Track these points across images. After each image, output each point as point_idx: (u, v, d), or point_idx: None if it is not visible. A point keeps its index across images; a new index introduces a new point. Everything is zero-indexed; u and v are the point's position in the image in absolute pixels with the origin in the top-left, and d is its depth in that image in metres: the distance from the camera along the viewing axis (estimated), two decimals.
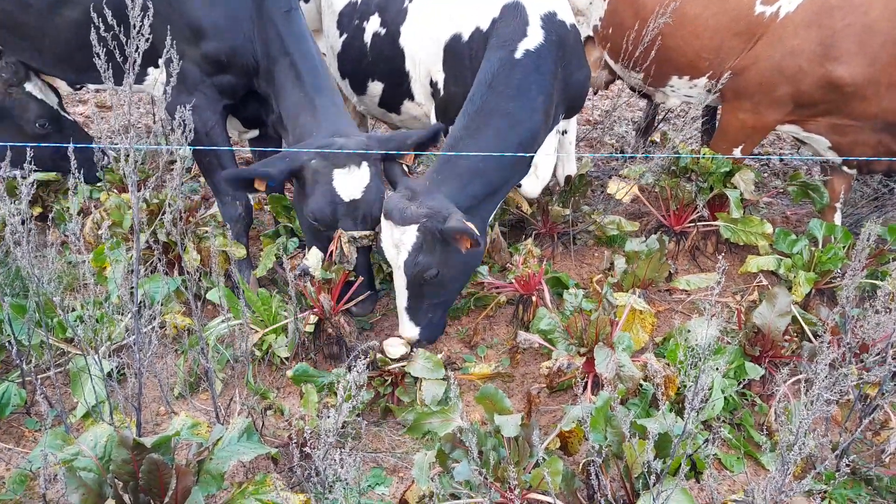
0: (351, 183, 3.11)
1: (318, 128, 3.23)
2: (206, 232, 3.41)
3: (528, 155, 3.28)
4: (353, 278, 3.15)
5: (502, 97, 3.16)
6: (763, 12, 3.74)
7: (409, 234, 3.00)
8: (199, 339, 2.65)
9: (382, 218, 3.09)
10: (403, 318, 3.18)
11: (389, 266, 3.55)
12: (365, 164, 3.14)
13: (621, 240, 4.08)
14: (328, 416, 2.36)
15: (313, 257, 3.11)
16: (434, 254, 3.03)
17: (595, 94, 5.13)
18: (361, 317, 3.35)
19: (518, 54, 3.22)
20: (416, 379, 3.01)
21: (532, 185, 3.63)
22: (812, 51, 3.60)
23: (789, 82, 3.70)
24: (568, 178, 4.08)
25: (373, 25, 3.88)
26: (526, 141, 3.24)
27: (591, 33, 4.57)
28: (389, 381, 2.99)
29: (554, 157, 3.73)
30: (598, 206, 4.39)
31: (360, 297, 3.22)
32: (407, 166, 3.34)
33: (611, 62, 4.53)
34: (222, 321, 3.01)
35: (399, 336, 3.22)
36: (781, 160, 5.61)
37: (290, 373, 2.92)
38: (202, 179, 4.44)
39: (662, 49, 4.06)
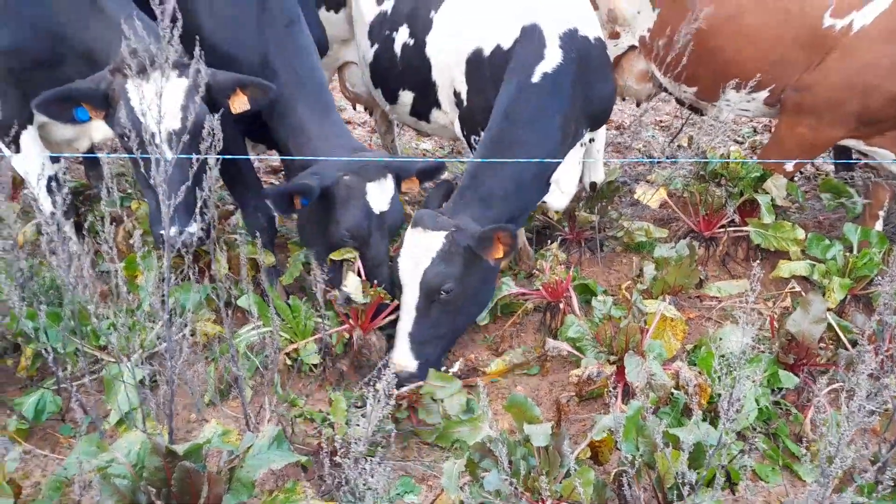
0: (381, 195, 3.14)
1: (333, 143, 3.23)
2: (236, 240, 3.44)
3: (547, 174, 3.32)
4: (387, 300, 3.13)
5: (517, 126, 3.19)
6: (833, 25, 3.58)
7: (437, 240, 3.03)
8: (230, 346, 2.66)
9: (409, 229, 3.10)
10: (402, 343, 3.10)
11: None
12: (390, 175, 3.18)
13: (650, 246, 4.05)
14: (358, 425, 2.37)
15: (353, 284, 3.10)
16: (455, 265, 3.04)
17: (637, 106, 5.07)
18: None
19: (535, 78, 3.23)
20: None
21: (557, 199, 3.63)
22: (889, 66, 3.46)
23: (860, 99, 3.56)
24: (593, 184, 4.06)
25: (402, 36, 3.90)
26: (543, 166, 3.26)
27: (637, 44, 4.43)
28: (404, 404, 2.94)
29: (578, 170, 3.72)
30: (625, 211, 4.36)
31: (392, 317, 3.20)
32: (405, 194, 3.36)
33: (658, 74, 4.41)
34: (252, 329, 3.02)
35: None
36: (813, 163, 5.53)
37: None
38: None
39: (719, 62, 3.95)
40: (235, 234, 3.52)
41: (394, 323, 3.18)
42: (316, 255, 3.27)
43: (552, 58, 3.26)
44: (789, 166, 3.97)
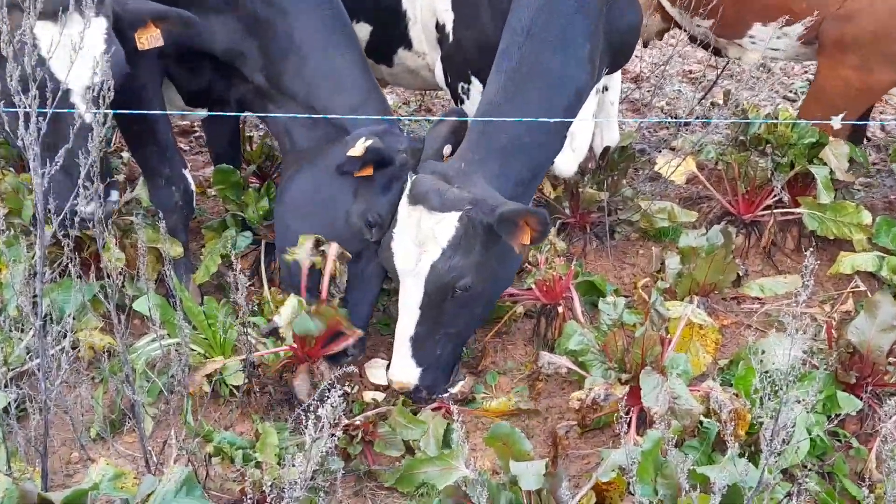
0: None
1: (374, 98, 3.35)
2: (132, 223, 3.40)
3: (572, 120, 3.32)
4: (346, 329, 3.14)
5: (545, 48, 3.18)
6: None
7: (447, 225, 2.98)
8: (124, 363, 2.64)
9: (407, 205, 3.08)
10: (403, 351, 3.12)
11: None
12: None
13: (674, 233, 4.07)
14: (293, 464, 2.37)
15: (288, 311, 3.09)
16: (473, 255, 3.02)
17: (645, 46, 5.10)
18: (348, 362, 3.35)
19: None
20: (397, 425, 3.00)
21: (566, 161, 3.64)
22: None
23: None
24: (606, 150, 4.08)
25: None
26: (573, 103, 3.26)
27: None
28: (358, 436, 2.94)
29: (592, 124, 3.73)
30: (643, 188, 4.38)
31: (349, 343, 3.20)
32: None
33: (667, 5, 4.45)
34: (153, 340, 3.00)
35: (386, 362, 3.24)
36: (884, 127, 5.61)
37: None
38: (126, 155, 4.44)
39: None
40: (132, 216, 3.49)
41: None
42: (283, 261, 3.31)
43: None
44: (836, 123, 4.00)
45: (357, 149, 3.11)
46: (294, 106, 3.38)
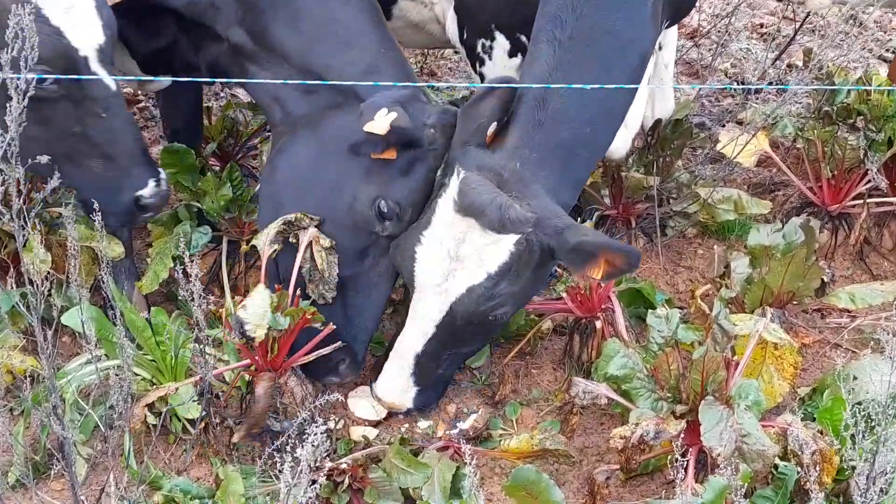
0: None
1: (392, 59, 3.37)
2: (61, 217, 3.41)
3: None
4: (316, 322, 3.14)
5: (602, 6, 3.19)
6: None
7: (502, 249, 3.03)
8: (50, 391, 2.63)
9: (454, 212, 3.08)
10: (401, 369, 3.20)
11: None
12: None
13: (742, 228, 4.08)
14: None
15: (258, 304, 3.04)
16: (520, 282, 3.08)
17: None
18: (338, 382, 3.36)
19: None
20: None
21: (620, 138, 3.64)
22: None
23: None
24: (657, 123, 4.07)
25: None
26: (638, 70, 3.30)
27: None
28: (345, 483, 2.94)
29: (647, 92, 3.74)
30: (702, 171, 4.37)
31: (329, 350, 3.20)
32: None
33: None
34: (87, 362, 3.00)
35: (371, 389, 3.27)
36: None
37: None
38: None
39: None
40: (60, 207, 3.49)
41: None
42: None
43: None
44: None
45: (378, 124, 3.07)
46: (286, 68, 3.37)
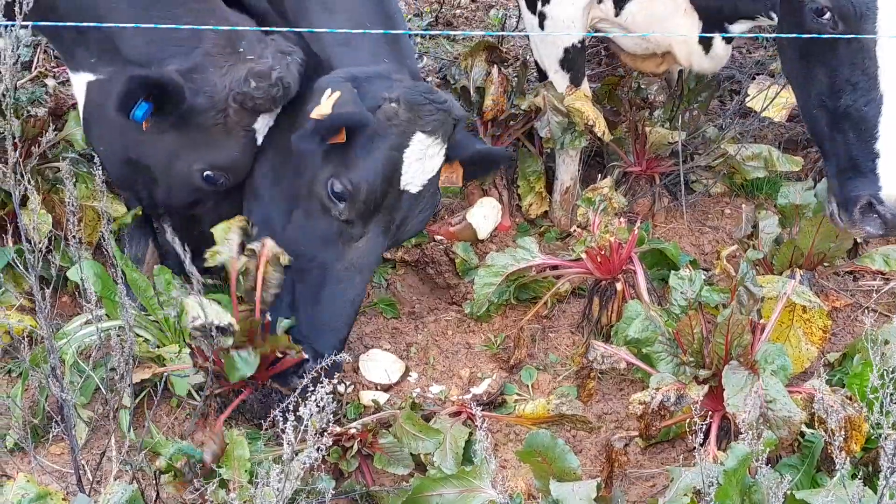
0: (427, 161, 3.16)
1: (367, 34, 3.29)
2: (59, 171, 3.40)
3: None
4: (292, 351, 3.12)
5: None
6: None
7: None
8: (49, 352, 2.63)
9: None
10: None
11: None
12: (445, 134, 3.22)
13: (771, 186, 4.08)
14: (267, 484, 2.35)
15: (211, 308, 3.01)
16: None
17: None
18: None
19: None
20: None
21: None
22: None
23: None
24: (680, 73, 4.04)
25: None
26: None
27: None
28: (354, 448, 2.95)
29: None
30: (729, 125, 4.33)
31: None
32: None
33: None
34: (87, 323, 2.99)
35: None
36: None
37: None
38: (50, 82, 4.44)
39: None
40: (59, 165, 3.48)
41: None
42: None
43: None
44: None
45: (323, 107, 3.02)
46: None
